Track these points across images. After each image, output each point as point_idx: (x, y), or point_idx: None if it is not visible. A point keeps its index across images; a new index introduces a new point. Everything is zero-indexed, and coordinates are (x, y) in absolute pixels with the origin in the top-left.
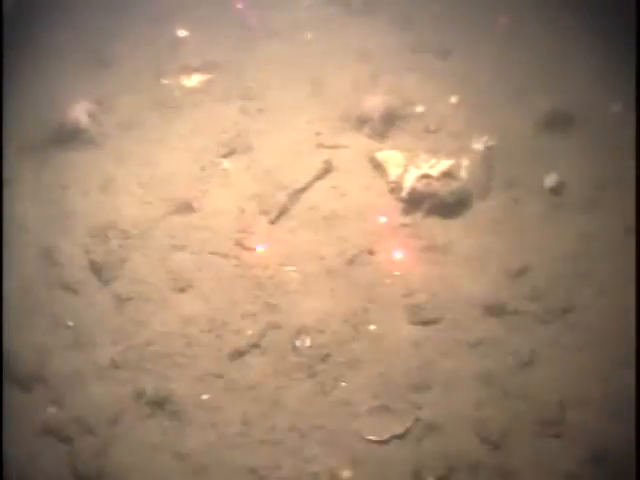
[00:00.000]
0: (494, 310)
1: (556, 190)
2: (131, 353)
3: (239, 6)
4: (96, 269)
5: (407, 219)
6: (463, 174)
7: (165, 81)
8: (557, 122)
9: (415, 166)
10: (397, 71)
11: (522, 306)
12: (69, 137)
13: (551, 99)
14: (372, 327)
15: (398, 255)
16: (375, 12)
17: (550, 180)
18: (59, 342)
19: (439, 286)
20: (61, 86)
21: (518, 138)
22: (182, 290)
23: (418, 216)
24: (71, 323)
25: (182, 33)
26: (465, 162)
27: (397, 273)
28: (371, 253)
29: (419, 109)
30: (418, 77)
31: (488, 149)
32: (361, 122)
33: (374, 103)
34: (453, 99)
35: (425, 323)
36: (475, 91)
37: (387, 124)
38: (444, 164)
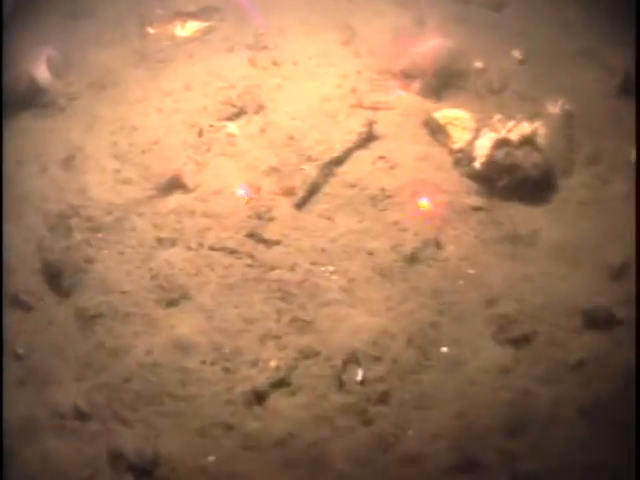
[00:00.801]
0: (597, 319)
1: None
2: (103, 394)
3: None
4: (53, 274)
5: (480, 200)
6: (542, 143)
7: (152, 30)
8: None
9: (491, 128)
10: (445, 21)
11: (629, 312)
12: (25, 99)
13: (626, 59)
14: (445, 349)
15: (473, 248)
16: None
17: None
18: (5, 377)
19: (527, 289)
20: (21, 40)
21: (594, 103)
22: (173, 303)
23: (494, 196)
24: (21, 350)
25: None
26: (541, 129)
27: (472, 272)
28: (438, 246)
29: (478, 64)
30: (470, 29)
31: (566, 115)
32: (409, 76)
33: (425, 52)
34: (516, 54)
35: (514, 341)
36: (538, 47)
37: (442, 80)
38: (525, 127)
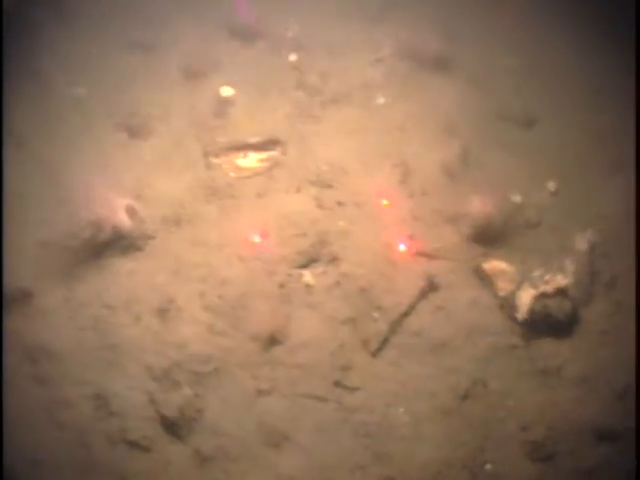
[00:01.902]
0: (606, 434)
1: None
2: None
3: (292, 58)
4: (168, 423)
5: (519, 340)
6: (570, 280)
7: (215, 160)
8: None
9: (531, 284)
10: (486, 147)
11: (630, 427)
12: (107, 243)
13: None
14: (489, 466)
15: (512, 382)
16: (450, 68)
17: None
18: None
19: (554, 415)
20: (84, 169)
21: (617, 228)
22: (277, 444)
23: (529, 335)
24: None
25: (227, 91)
26: (570, 267)
27: (511, 403)
28: (485, 385)
29: (517, 199)
30: (508, 155)
31: (592, 248)
32: (459, 223)
33: (476, 206)
34: (550, 185)
35: (543, 459)
36: (569, 171)
37: (489, 227)
38: (559, 280)
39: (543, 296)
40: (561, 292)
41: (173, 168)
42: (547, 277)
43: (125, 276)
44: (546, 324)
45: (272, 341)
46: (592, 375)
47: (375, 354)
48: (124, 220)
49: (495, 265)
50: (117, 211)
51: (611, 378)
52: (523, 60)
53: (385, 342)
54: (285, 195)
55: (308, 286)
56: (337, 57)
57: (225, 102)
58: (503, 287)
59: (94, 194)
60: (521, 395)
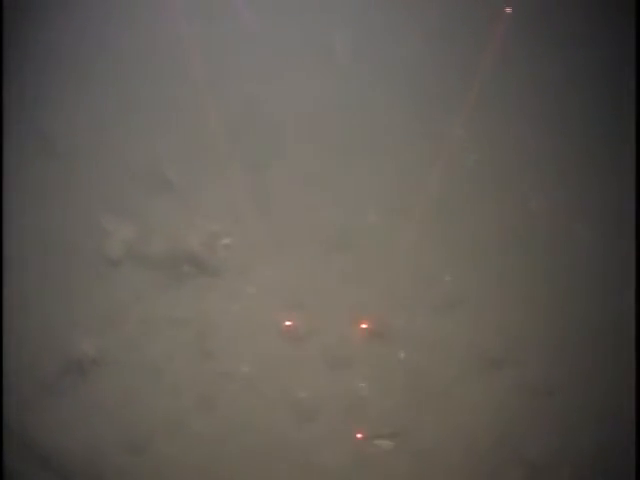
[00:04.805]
0: None
1: None
2: None
3: (401, 355)
4: None
5: None
6: None
7: (366, 441)
8: None
9: None
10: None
11: None
12: None
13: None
14: None
15: None
16: (503, 365)
17: None
18: None
19: None
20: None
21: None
22: None
23: None
24: None
25: (362, 385)
26: None
27: None
28: None
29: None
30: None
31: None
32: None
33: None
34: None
35: None
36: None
37: None
38: None
39: None
40: None
41: (335, 444)
42: None
43: None
44: None
45: None
46: None
47: None
48: None
49: None
50: None
51: None
52: (555, 329)
53: None
54: (411, 464)
55: None
56: (429, 351)
57: (362, 398)
58: None
59: None
60: None
